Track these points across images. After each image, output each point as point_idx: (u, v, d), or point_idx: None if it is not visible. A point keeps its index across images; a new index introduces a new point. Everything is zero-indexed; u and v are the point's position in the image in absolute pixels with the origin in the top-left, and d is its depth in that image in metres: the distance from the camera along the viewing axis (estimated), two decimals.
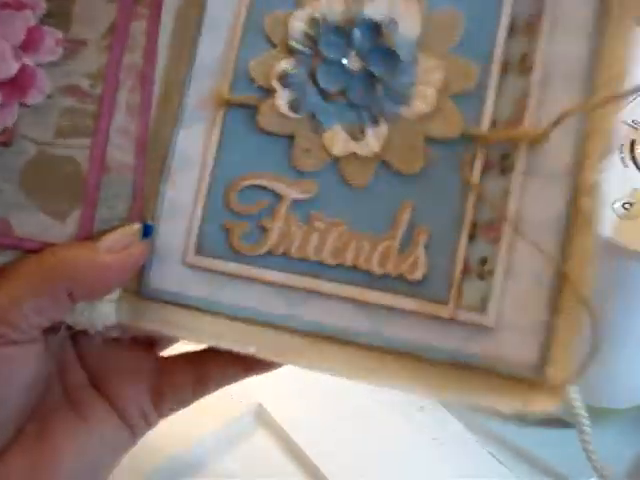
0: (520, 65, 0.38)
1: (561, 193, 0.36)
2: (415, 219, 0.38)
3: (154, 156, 0.40)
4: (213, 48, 0.41)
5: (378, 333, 0.38)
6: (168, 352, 0.45)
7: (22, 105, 0.39)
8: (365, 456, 0.57)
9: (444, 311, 0.37)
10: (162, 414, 0.42)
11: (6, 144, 0.39)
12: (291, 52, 0.39)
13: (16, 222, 0.39)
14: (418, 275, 0.37)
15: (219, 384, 0.42)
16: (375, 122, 0.38)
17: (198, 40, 0.41)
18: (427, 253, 0.37)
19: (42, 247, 0.39)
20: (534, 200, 0.37)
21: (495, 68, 0.38)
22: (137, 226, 0.39)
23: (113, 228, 0.39)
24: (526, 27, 0.38)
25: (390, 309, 0.38)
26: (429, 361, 0.37)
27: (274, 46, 0.40)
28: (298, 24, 0.39)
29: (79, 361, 0.42)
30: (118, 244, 0.38)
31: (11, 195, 0.39)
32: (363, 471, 0.55)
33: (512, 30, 0.38)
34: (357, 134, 0.38)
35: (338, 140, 0.38)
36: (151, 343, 0.44)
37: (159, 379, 0.42)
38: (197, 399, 0.43)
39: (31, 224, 0.39)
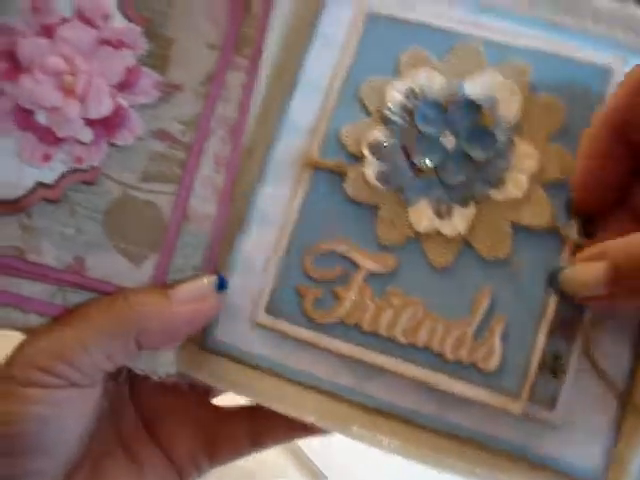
0: None
1: None
2: (493, 306, 0.38)
3: (234, 208, 0.41)
4: (306, 108, 0.41)
5: (443, 418, 0.38)
6: (224, 400, 0.45)
7: (111, 145, 0.40)
8: (365, 455, 0.57)
9: (515, 406, 0.37)
10: (215, 464, 0.43)
11: (91, 183, 0.40)
12: (385, 122, 0.40)
13: (92, 262, 0.40)
14: (492, 366, 0.38)
15: (275, 442, 0.43)
16: (464, 203, 0.38)
17: (292, 97, 0.41)
18: (503, 343, 0.38)
19: (115, 290, 0.39)
20: None
21: None
22: (212, 278, 0.39)
23: (187, 278, 0.39)
24: None
25: (458, 396, 0.38)
26: (491, 450, 0.37)
27: (368, 114, 0.40)
28: (395, 94, 0.40)
29: (134, 404, 0.43)
30: (192, 295, 0.39)
31: (91, 235, 0.40)
32: (363, 471, 0.55)
33: None
34: (444, 213, 0.39)
35: (424, 217, 0.39)
36: (207, 390, 0.44)
37: (214, 429, 0.43)
38: (251, 453, 0.43)
39: (106, 265, 0.40)
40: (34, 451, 0.37)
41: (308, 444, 0.54)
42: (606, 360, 0.37)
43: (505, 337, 0.38)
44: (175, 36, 0.41)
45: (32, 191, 0.39)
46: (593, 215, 0.38)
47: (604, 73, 0.39)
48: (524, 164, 0.38)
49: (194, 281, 0.40)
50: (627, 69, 0.36)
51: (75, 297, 0.40)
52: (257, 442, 0.43)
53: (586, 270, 0.34)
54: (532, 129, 0.39)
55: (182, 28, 0.41)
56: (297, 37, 0.42)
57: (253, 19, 0.41)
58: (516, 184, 0.38)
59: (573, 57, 0.40)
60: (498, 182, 0.38)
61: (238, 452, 0.43)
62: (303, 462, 0.57)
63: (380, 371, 0.39)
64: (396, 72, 0.41)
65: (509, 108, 0.39)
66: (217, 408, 0.45)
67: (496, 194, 0.39)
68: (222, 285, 0.40)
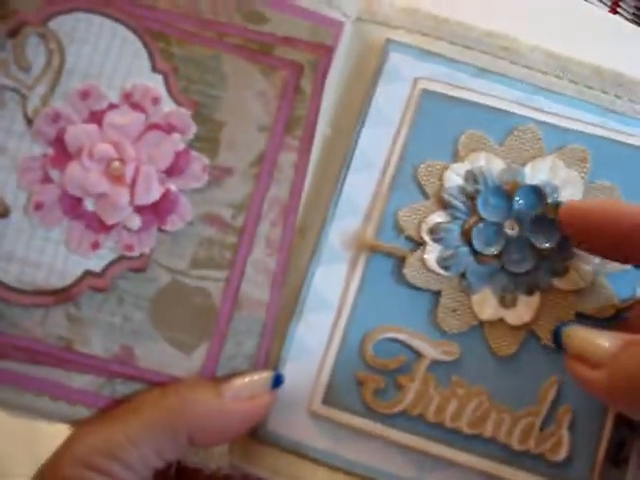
0: None
1: None
2: (560, 396, 0.39)
3: (287, 291, 0.41)
4: (361, 188, 0.42)
5: None
6: None
7: (160, 230, 0.39)
8: None
9: None
10: None
11: (141, 270, 0.39)
12: (444, 206, 0.40)
13: (140, 352, 0.39)
14: (561, 456, 0.38)
15: None
16: (528, 291, 0.39)
17: (346, 176, 0.41)
18: (570, 433, 0.38)
19: (164, 380, 0.39)
20: None
21: None
22: (268, 375, 0.40)
23: (242, 371, 0.39)
24: None
25: None
26: None
27: (426, 197, 0.41)
28: (455, 178, 0.40)
29: None
30: (245, 392, 0.39)
31: (139, 323, 0.39)
32: None
33: None
34: (508, 301, 0.39)
35: (488, 305, 0.39)
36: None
37: None
38: None
39: (155, 355, 0.40)
40: None
41: None
42: None
43: (572, 427, 0.38)
44: (225, 119, 0.41)
45: (80, 280, 0.39)
46: None
47: None
48: (587, 253, 0.39)
49: (249, 377, 0.40)
50: None
51: (124, 388, 0.40)
52: None
53: (590, 342, 0.35)
54: None
55: (232, 111, 0.41)
56: (349, 114, 0.42)
57: (304, 100, 0.41)
58: (581, 273, 0.39)
59: (629, 143, 0.41)
60: (563, 271, 0.39)
61: None
62: None
63: (444, 463, 0.39)
64: (454, 154, 0.41)
65: (570, 197, 0.40)
66: None
67: (560, 283, 0.39)
68: (278, 382, 0.40)
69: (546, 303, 0.40)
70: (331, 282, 0.41)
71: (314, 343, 0.41)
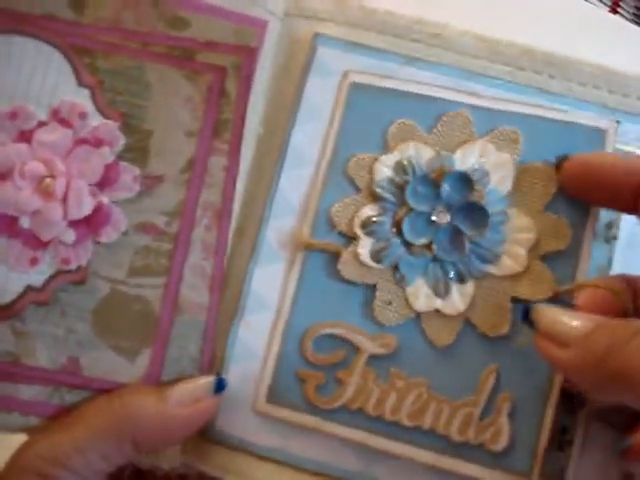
0: (606, 234, 0.39)
1: None
2: (499, 384, 0.39)
3: (227, 293, 0.42)
4: (294, 185, 0.42)
5: None
6: None
7: (96, 242, 0.41)
8: None
9: None
10: None
11: (80, 282, 0.41)
12: (375, 199, 0.40)
13: (86, 361, 0.41)
14: (501, 446, 0.38)
15: None
16: (461, 280, 0.39)
17: (280, 175, 0.42)
18: (510, 422, 0.38)
19: (111, 387, 0.41)
20: None
21: (589, 231, 0.38)
22: (210, 379, 0.41)
23: (185, 376, 0.40)
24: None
25: (469, 477, 0.38)
26: None
27: (358, 190, 0.41)
28: (384, 170, 0.41)
29: None
30: (189, 397, 0.40)
31: (83, 334, 0.41)
32: None
33: None
34: (442, 291, 0.39)
35: (422, 295, 0.39)
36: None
37: None
38: None
39: (101, 363, 0.41)
40: None
41: None
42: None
43: (512, 415, 0.39)
44: (153, 128, 0.42)
45: (22, 295, 0.41)
46: None
47: (597, 136, 0.40)
48: (521, 237, 0.39)
49: (192, 382, 0.41)
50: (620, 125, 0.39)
51: (72, 397, 0.41)
52: None
53: (560, 321, 0.35)
54: (526, 200, 0.40)
55: (159, 119, 0.42)
56: (280, 112, 0.43)
57: (230, 103, 0.42)
58: (514, 258, 0.39)
59: (564, 121, 0.40)
60: (495, 257, 0.39)
61: None
62: None
63: (387, 456, 0.39)
64: (384, 145, 0.41)
65: (501, 180, 0.40)
66: None
67: (494, 269, 0.39)
68: (220, 386, 0.41)
69: (481, 291, 0.40)
70: (270, 282, 0.42)
71: (256, 343, 0.42)
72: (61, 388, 0.41)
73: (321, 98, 0.43)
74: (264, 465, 0.42)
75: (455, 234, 0.40)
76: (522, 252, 0.39)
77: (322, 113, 0.43)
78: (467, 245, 0.40)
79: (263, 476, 0.42)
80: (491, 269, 0.40)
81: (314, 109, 0.43)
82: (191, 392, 0.40)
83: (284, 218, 0.43)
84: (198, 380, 0.41)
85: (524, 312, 0.38)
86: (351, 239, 0.41)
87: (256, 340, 0.42)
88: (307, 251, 0.42)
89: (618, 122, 0.40)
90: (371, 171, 0.41)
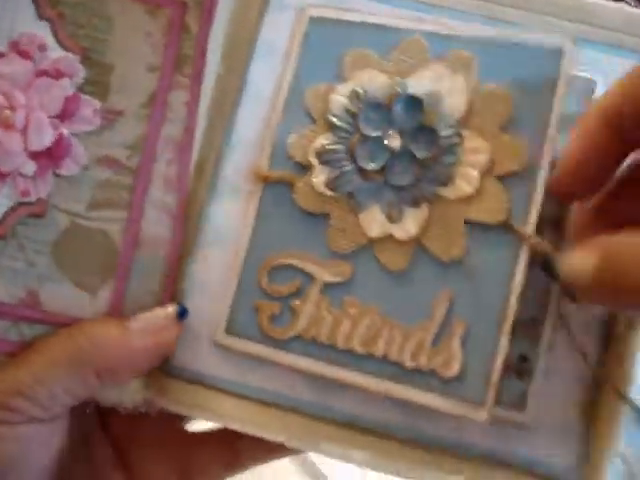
0: None
1: None
2: (453, 310, 0.38)
3: (187, 229, 0.42)
4: (252, 120, 0.42)
5: (411, 427, 0.39)
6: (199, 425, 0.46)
7: (57, 175, 0.41)
8: None
9: (479, 414, 0.38)
10: None
11: (39, 215, 0.41)
12: (331, 128, 0.40)
13: (46, 295, 0.41)
14: (453, 372, 0.38)
15: (251, 464, 0.43)
16: (415, 203, 0.39)
17: (237, 110, 0.42)
18: (463, 348, 0.37)
19: (71, 322, 0.41)
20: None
21: (547, 149, 0.38)
22: (172, 309, 0.41)
23: (146, 307, 0.40)
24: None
25: (421, 405, 0.38)
26: (462, 457, 0.37)
27: (314, 121, 0.41)
28: (339, 99, 0.40)
29: (105, 435, 0.44)
30: (151, 327, 0.40)
31: (42, 268, 0.41)
32: (363, 471, 0.55)
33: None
34: (395, 216, 0.39)
35: (375, 221, 0.39)
36: (180, 416, 0.45)
37: (188, 454, 0.44)
38: (230, 476, 0.43)
39: (61, 298, 0.41)
40: None
41: None
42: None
43: (466, 342, 0.38)
44: (114, 62, 0.42)
45: None
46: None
47: (554, 55, 0.39)
48: (474, 158, 0.39)
49: (153, 312, 0.41)
50: (578, 52, 0.38)
51: (31, 331, 0.41)
52: (233, 465, 0.44)
53: (576, 261, 0.34)
54: (481, 121, 0.39)
55: (121, 54, 0.42)
56: (239, 48, 0.43)
57: (191, 38, 0.43)
58: (467, 180, 0.38)
59: (519, 42, 0.40)
60: (447, 180, 0.39)
61: (216, 477, 0.44)
62: (304, 462, 0.58)
63: (341, 384, 0.39)
64: (340, 76, 0.41)
65: (455, 102, 0.39)
66: (190, 434, 0.46)
67: (447, 192, 0.39)
68: (182, 314, 0.41)
69: (434, 214, 0.39)
70: (228, 216, 0.43)
71: (214, 277, 0.42)
72: (20, 323, 0.41)
73: (278, 33, 0.43)
74: (223, 398, 0.42)
75: (407, 158, 0.39)
76: (475, 174, 0.39)
77: (279, 48, 0.43)
78: (419, 168, 0.39)
79: (224, 410, 0.42)
80: (444, 192, 0.39)
81: (271, 45, 0.43)
82: (153, 321, 0.40)
83: (242, 153, 0.43)
84: (160, 310, 0.41)
85: (544, 265, 0.37)
86: (307, 169, 0.41)
87: (215, 274, 0.42)
88: (264, 183, 0.42)
89: (573, 42, 0.40)
90: (326, 101, 0.41)
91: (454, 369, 0.38)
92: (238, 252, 0.42)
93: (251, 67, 0.43)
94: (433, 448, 0.40)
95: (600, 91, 0.40)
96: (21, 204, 0.42)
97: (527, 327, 0.38)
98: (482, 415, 0.37)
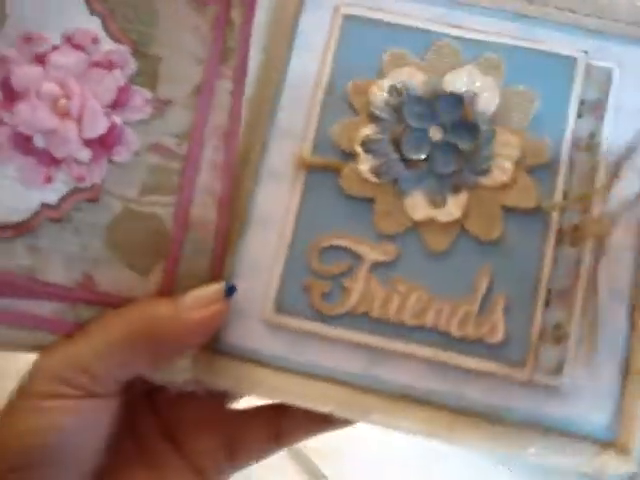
0: (587, 143, 0.44)
1: (630, 264, 0.42)
2: (493, 284, 0.43)
3: (234, 214, 0.45)
4: (295, 110, 0.45)
5: (456, 394, 0.43)
6: (243, 403, 0.48)
7: (110, 162, 0.43)
8: (365, 456, 0.61)
9: (521, 374, 0.42)
10: (237, 465, 0.46)
11: (93, 200, 0.43)
12: (373, 119, 0.44)
13: (100, 278, 0.43)
14: (497, 338, 0.42)
15: (295, 439, 0.46)
16: (456, 190, 0.43)
17: (279, 101, 0.45)
18: (505, 317, 0.42)
19: (125, 303, 0.43)
20: (604, 270, 0.42)
21: (566, 145, 0.43)
22: (220, 285, 0.43)
23: (196, 285, 0.43)
24: (593, 109, 0.43)
25: (468, 371, 0.42)
26: (505, 422, 0.42)
27: (356, 113, 0.44)
28: (380, 93, 0.44)
29: (153, 415, 0.46)
30: (201, 303, 0.42)
31: (96, 251, 0.43)
32: (363, 470, 0.58)
33: (581, 111, 0.44)
34: (438, 201, 0.43)
35: (419, 206, 0.43)
36: (223, 395, 0.47)
37: (234, 431, 0.46)
38: (272, 453, 0.47)
39: (114, 279, 0.43)
40: (54, 463, 0.40)
41: (307, 443, 0.57)
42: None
43: (507, 311, 0.43)
44: (162, 54, 0.44)
45: (37, 212, 0.42)
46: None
47: (569, 63, 0.45)
48: (507, 151, 0.43)
49: (202, 289, 0.43)
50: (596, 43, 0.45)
51: (86, 313, 0.43)
52: (279, 440, 0.47)
53: None
54: (510, 119, 0.44)
55: (168, 46, 0.44)
56: (278, 42, 0.46)
57: (235, 31, 0.45)
58: (502, 170, 0.43)
59: (540, 49, 0.45)
60: (485, 169, 0.43)
61: (260, 452, 0.47)
62: (302, 461, 0.60)
63: (391, 355, 0.43)
64: (378, 72, 0.45)
65: (487, 101, 0.44)
66: (237, 411, 0.48)
67: (485, 181, 0.43)
68: (230, 291, 0.43)
69: (473, 200, 0.44)
70: (274, 201, 0.45)
71: (262, 258, 0.45)
72: (77, 304, 0.43)
73: (314, 30, 0.46)
74: (273, 374, 0.44)
75: (449, 148, 0.43)
76: (509, 165, 0.43)
77: (317, 44, 0.46)
78: (460, 159, 0.43)
79: (273, 384, 0.44)
80: (482, 180, 0.44)
81: (310, 40, 0.46)
82: (203, 297, 0.42)
83: (284, 141, 0.46)
84: (209, 286, 0.43)
85: None
86: (350, 157, 0.44)
87: (263, 255, 0.45)
88: (308, 169, 0.45)
89: (585, 52, 0.45)
90: (367, 95, 0.45)
91: (498, 336, 0.42)
92: (284, 234, 0.45)
93: (291, 61, 0.46)
94: (478, 414, 0.43)
95: (617, 79, 0.45)
96: (76, 189, 0.43)
97: (561, 297, 0.43)
98: (524, 375, 0.42)
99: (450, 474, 0.64)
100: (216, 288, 0.43)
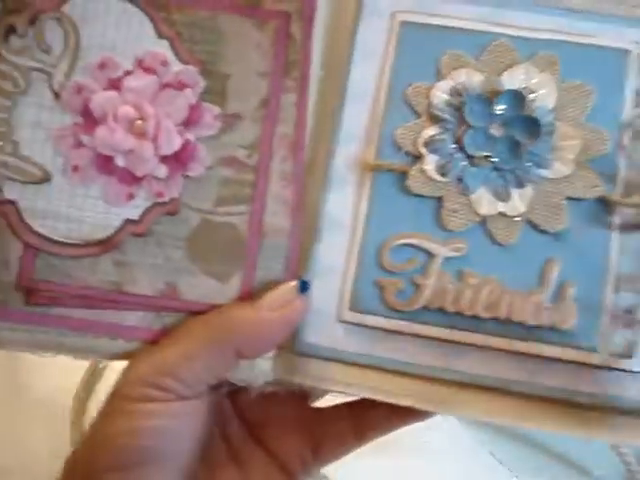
0: None
1: None
2: (562, 273, 0.44)
3: (305, 219, 0.47)
4: (358, 117, 0.47)
5: (532, 382, 0.44)
6: (325, 402, 0.50)
7: (185, 177, 0.45)
8: (365, 456, 0.61)
9: (594, 358, 0.43)
10: (322, 462, 0.48)
11: (173, 214, 0.45)
12: (435, 120, 0.46)
13: (183, 287, 0.45)
14: (569, 325, 0.43)
15: (378, 433, 0.48)
16: (520, 184, 0.44)
17: (342, 109, 0.47)
18: (576, 305, 0.43)
19: (206, 309, 0.45)
20: None
21: (624, 135, 0.44)
22: (294, 283, 0.45)
23: (271, 287, 0.45)
24: None
25: (543, 359, 0.43)
26: (582, 406, 0.43)
27: (418, 115, 0.46)
28: (441, 95, 0.46)
29: (238, 415, 0.48)
30: (278, 301, 0.45)
31: (178, 261, 0.45)
32: (363, 471, 0.59)
33: (637, 102, 0.46)
34: (503, 196, 0.44)
35: (485, 201, 0.45)
36: (305, 395, 0.49)
37: (318, 428, 0.48)
38: (356, 448, 0.48)
39: (197, 288, 0.45)
40: (150, 463, 0.42)
41: None
42: None
43: (577, 299, 0.44)
44: (229, 71, 0.46)
45: (121, 229, 0.45)
46: None
47: (621, 55, 0.46)
48: (567, 144, 0.45)
49: (278, 288, 0.45)
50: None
51: (172, 320, 0.45)
52: (361, 436, 0.49)
53: None
54: (569, 113, 0.46)
55: (234, 63, 0.47)
56: (338, 52, 0.48)
57: (296, 44, 0.47)
58: (564, 163, 0.44)
59: (592, 43, 0.47)
60: (548, 163, 0.45)
61: (343, 448, 0.49)
62: None
63: (468, 347, 0.45)
64: (437, 75, 0.46)
65: (546, 97, 0.45)
66: (319, 409, 0.50)
67: (547, 174, 0.45)
68: (304, 287, 0.45)
69: (538, 193, 0.45)
70: (343, 204, 0.47)
71: (335, 260, 0.47)
72: (162, 313, 0.45)
73: (373, 38, 0.48)
74: (352, 370, 0.46)
75: (511, 144, 0.45)
76: (570, 157, 0.45)
77: (376, 51, 0.48)
78: (523, 153, 0.45)
79: (353, 380, 0.46)
80: (545, 173, 0.45)
81: (368, 48, 0.48)
82: (279, 297, 0.45)
83: (350, 146, 0.47)
84: (284, 285, 0.45)
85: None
86: (415, 158, 0.46)
87: (335, 257, 0.47)
88: (375, 172, 0.47)
89: (637, 43, 0.46)
90: (428, 97, 0.46)
91: (570, 322, 0.44)
92: (355, 236, 0.46)
93: (351, 68, 0.48)
94: (555, 401, 0.45)
95: None
96: (156, 204, 0.45)
97: (630, 281, 0.44)
98: (596, 359, 0.43)
99: (450, 474, 0.65)
100: (290, 286, 0.45)
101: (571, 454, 0.63)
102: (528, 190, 0.45)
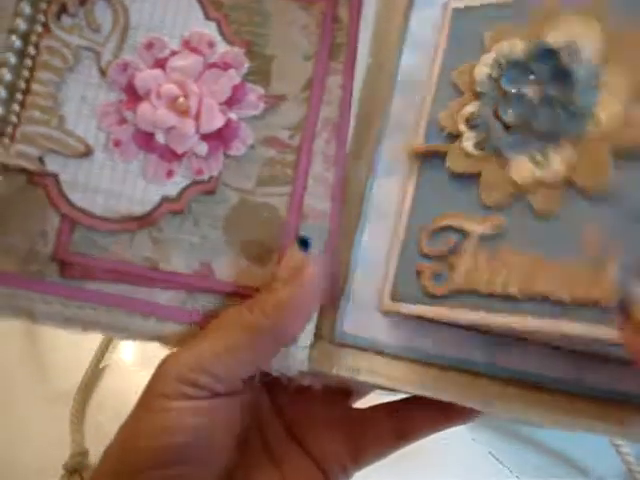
0: None
1: None
2: (605, 241, 0.40)
3: (348, 207, 0.45)
4: (406, 105, 0.46)
5: (580, 381, 0.41)
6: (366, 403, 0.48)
7: (226, 156, 0.45)
8: None
9: None
10: (361, 463, 0.46)
11: (211, 192, 0.45)
12: (477, 96, 0.44)
13: (218, 267, 0.44)
14: (612, 300, 0.39)
15: (421, 434, 0.46)
16: (558, 145, 0.41)
17: (391, 99, 0.46)
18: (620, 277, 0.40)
19: (241, 290, 0.44)
20: None
21: None
22: (294, 246, 0.44)
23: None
24: None
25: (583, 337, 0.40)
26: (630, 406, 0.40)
27: (461, 95, 0.45)
28: (483, 69, 0.44)
29: (275, 414, 0.46)
30: (289, 272, 0.43)
31: (215, 241, 0.45)
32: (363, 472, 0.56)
33: None
34: (541, 161, 0.41)
35: (524, 170, 0.42)
36: (346, 394, 0.47)
37: (357, 429, 0.46)
38: (397, 450, 0.46)
39: (232, 268, 0.45)
40: (188, 461, 0.40)
41: None
42: None
43: (622, 271, 0.40)
44: (274, 53, 0.46)
45: (159, 205, 0.45)
46: None
47: None
48: (613, 92, 0.41)
49: (283, 261, 0.44)
50: None
51: (204, 301, 0.45)
52: (402, 437, 0.46)
53: None
54: (619, 61, 0.41)
55: (280, 45, 0.47)
56: (387, 40, 0.47)
57: (343, 27, 0.47)
58: (609, 114, 0.40)
59: None
60: (588, 117, 0.41)
61: (384, 449, 0.46)
62: None
63: (513, 341, 0.42)
64: (482, 52, 0.45)
65: (591, 46, 0.42)
66: (358, 409, 0.48)
67: (590, 128, 0.41)
68: (303, 243, 0.44)
69: (579, 152, 0.41)
70: (389, 192, 0.46)
71: (379, 248, 0.45)
72: (194, 293, 0.44)
73: (425, 28, 0.47)
74: (391, 362, 0.44)
75: (549, 104, 0.42)
76: (616, 107, 0.40)
77: (427, 41, 0.47)
78: (560, 110, 0.42)
79: (392, 373, 0.44)
80: (587, 128, 0.41)
81: (419, 38, 0.47)
82: (288, 265, 0.43)
83: (397, 135, 0.46)
84: (288, 251, 0.44)
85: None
86: (458, 137, 0.44)
87: (379, 245, 0.45)
88: (422, 160, 0.45)
89: None
90: (472, 75, 0.45)
91: (614, 297, 0.40)
92: (400, 224, 0.45)
93: (402, 58, 0.47)
94: (596, 399, 0.41)
95: None
96: (195, 182, 0.45)
97: None
98: None
99: (450, 474, 0.62)
100: (290, 249, 0.44)
101: (571, 454, 0.62)
102: (567, 150, 0.41)
